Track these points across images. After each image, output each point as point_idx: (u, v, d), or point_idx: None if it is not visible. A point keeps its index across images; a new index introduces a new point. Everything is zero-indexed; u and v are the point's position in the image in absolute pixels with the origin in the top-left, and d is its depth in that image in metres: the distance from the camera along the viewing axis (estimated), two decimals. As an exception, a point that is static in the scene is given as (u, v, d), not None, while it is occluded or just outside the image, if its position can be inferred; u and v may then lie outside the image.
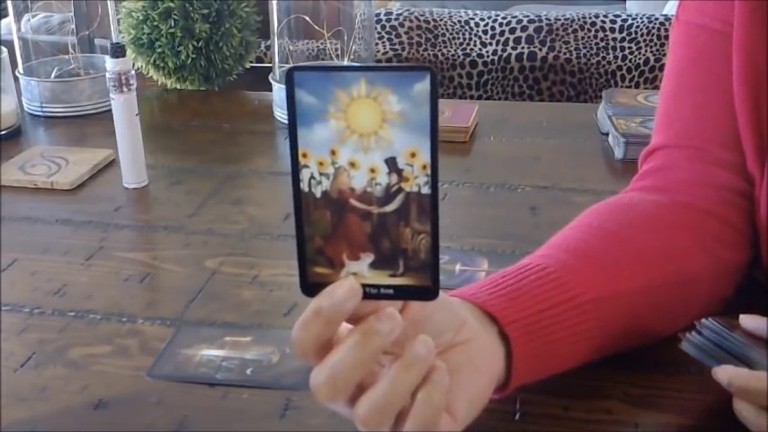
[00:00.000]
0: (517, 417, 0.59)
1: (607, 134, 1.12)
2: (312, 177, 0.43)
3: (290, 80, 0.41)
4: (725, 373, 0.54)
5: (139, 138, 0.98)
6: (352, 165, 0.42)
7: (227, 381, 0.64)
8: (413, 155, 0.42)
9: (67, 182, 1.00)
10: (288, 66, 1.27)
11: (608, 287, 0.60)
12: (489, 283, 0.57)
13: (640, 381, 0.63)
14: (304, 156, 0.43)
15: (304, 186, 0.43)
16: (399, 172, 0.42)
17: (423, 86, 0.41)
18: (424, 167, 0.42)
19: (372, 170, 0.42)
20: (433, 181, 0.42)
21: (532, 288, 0.57)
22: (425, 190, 0.43)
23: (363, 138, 0.42)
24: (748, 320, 0.58)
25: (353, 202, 0.43)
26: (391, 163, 0.42)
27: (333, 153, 0.42)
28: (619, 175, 1.03)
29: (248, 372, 0.65)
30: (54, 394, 0.63)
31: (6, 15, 1.40)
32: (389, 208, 0.43)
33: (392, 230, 0.43)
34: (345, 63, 1.29)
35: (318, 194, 0.43)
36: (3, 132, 1.15)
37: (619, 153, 1.06)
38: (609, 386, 0.62)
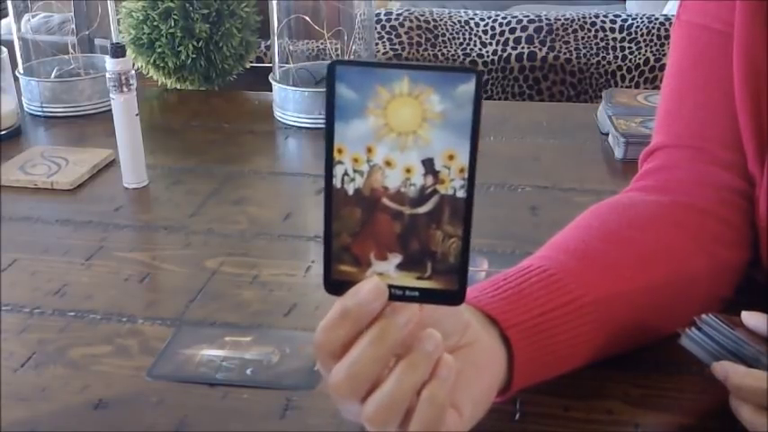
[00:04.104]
0: (517, 417, 0.59)
1: (607, 134, 1.12)
2: (345, 174, 0.42)
3: (331, 74, 0.41)
4: (722, 370, 0.54)
5: (139, 138, 0.98)
6: (388, 163, 0.42)
7: (227, 381, 0.64)
8: (451, 157, 0.41)
9: (67, 182, 1.00)
10: (288, 66, 1.28)
11: (609, 288, 0.60)
12: (490, 285, 0.57)
13: (640, 381, 0.63)
14: (339, 151, 0.42)
15: (336, 182, 0.42)
16: (436, 173, 0.42)
17: (467, 88, 0.40)
18: (462, 170, 0.41)
19: (408, 170, 0.42)
20: (470, 185, 0.42)
21: (533, 291, 0.57)
22: (461, 194, 0.42)
23: (401, 136, 0.41)
24: (749, 317, 0.58)
25: (386, 201, 0.42)
26: (428, 164, 0.41)
27: (369, 150, 0.42)
28: (619, 175, 1.03)
29: (248, 372, 0.65)
30: (54, 394, 0.63)
31: (6, 15, 1.40)
32: (422, 209, 0.42)
33: (423, 232, 0.43)
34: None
35: (350, 191, 0.42)
36: (3, 132, 1.15)
37: (619, 153, 1.06)
38: (609, 386, 0.62)
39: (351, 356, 0.44)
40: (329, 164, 0.42)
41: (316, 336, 0.45)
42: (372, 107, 0.41)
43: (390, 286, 0.44)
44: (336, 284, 0.44)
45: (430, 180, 0.42)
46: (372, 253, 0.43)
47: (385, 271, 0.44)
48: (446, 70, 0.41)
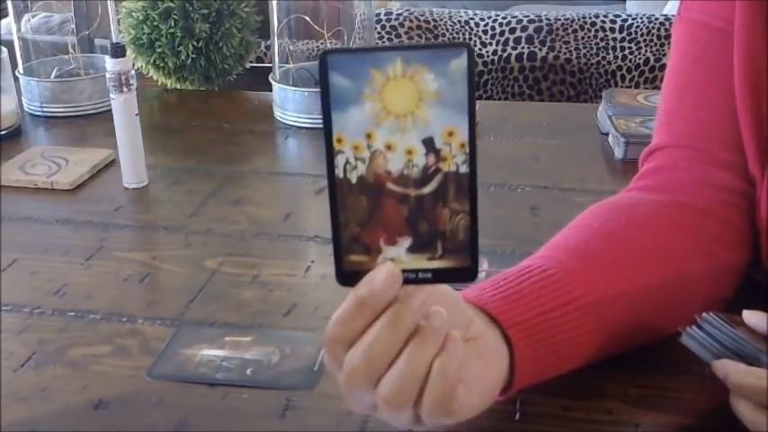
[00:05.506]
0: (517, 417, 0.59)
1: (607, 134, 1.12)
2: (347, 163, 0.42)
3: (323, 64, 0.41)
4: (723, 368, 0.54)
5: (139, 138, 0.98)
6: (389, 147, 0.42)
7: (227, 381, 0.64)
8: (450, 134, 0.41)
9: (67, 182, 1.00)
10: (288, 66, 1.28)
11: (609, 288, 0.60)
12: (491, 285, 0.57)
13: (640, 381, 0.63)
14: (339, 141, 0.42)
15: (339, 173, 0.42)
16: (437, 152, 0.42)
17: (459, 63, 0.40)
18: (462, 146, 0.41)
19: (409, 152, 0.42)
20: (472, 159, 0.42)
21: (534, 290, 0.57)
22: (464, 169, 0.42)
23: (400, 119, 0.41)
24: (750, 316, 0.58)
25: (390, 185, 0.42)
26: (429, 143, 0.41)
27: (368, 136, 0.41)
28: (619, 175, 1.03)
29: (248, 372, 0.65)
30: (54, 394, 0.63)
31: (6, 15, 1.40)
32: (427, 189, 0.42)
33: (430, 212, 0.43)
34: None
35: (354, 180, 0.42)
36: (3, 132, 1.15)
37: (619, 153, 1.06)
38: (609, 386, 0.62)
39: (366, 341, 0.44)
40: (330, 155, 0.42)
41: (330, 328, 0.45)
42: (368, 92, 0.41)
43: (403, 270, 0.43)
44: (349, 275, 0.44)
45: (432, 159, 0.42)
46: (382, 239, 0.43)
47: (396, 256, 0.43)
48: (437, 47, 0.41)
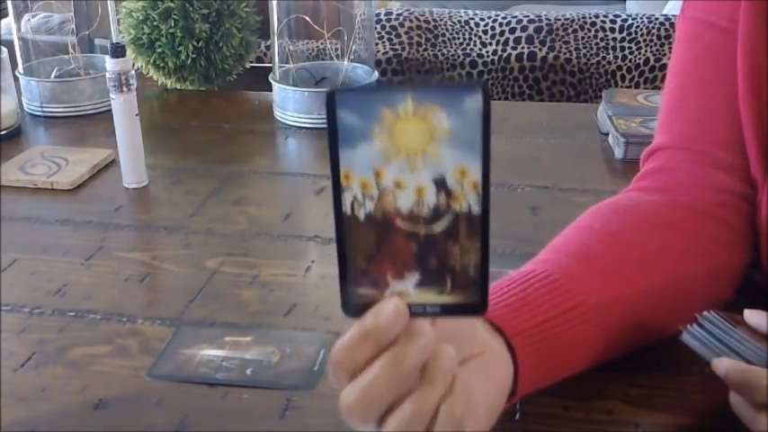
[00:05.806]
0: (517, 417, 0.59)
1: (607, 134, 1.12)
2: (355, 200, 0.41)
3: (331, 101, 0.40)
4: (722, 366, 0.54)
5: (139, 138, 0.98)
6: (398, 185, 0.41)
7: (227, 381, 0.64)
8: (462, 173, 0.40)
9: (67, 182, 1.00)
10: (288, 66, 1.28)
11: (610, 292, 0.59)
12: (494, 291, 0.57)
13: (640, 381, 0.63)
14: (346, 178, 0.41)
15: (346, 210, 0.41)
16: (448, 191, 0.41)
17: (473, 102, 0.39)
18: (475, 186, 0.40)
19: (420, 190, 0.41)
20: (485, 199, 0.41)
21: (537, 297, 0.57)
22: (476, 209, 0.41)
23: (410, 157, 0.40)
24: (751, 315, 0.58)
25: (399, 222, 0.41)
26: (440, 183, 0.40)
27: (377, 174, 0.41)
28: (619, 175, 1.03)
29: (248, 372, 0.65)
30: (54, 394, 0.63)
31: (6, 15, 1.40)
32: (437, 228, 0.41)
33: (440, 249, 0.42)
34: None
35: (362, 218, 0.41)
36: (3, 132, 1.15)
37: (619, 153, 1.06)
38: (609, 386, 0.62)
39: (365, 380, 0.43)
40: (337, 191, 0.41)
41: (333, 354, 0.44)
42: (378, 131, 0.40)
43: (410, 304, 0.43)
44: (356, 307, 0.43)
45: (443, 198, 0.41)
46: (390, 274, 0.43)
47: (404, 290, 0.43)
48: (450, 87, 0.40)
